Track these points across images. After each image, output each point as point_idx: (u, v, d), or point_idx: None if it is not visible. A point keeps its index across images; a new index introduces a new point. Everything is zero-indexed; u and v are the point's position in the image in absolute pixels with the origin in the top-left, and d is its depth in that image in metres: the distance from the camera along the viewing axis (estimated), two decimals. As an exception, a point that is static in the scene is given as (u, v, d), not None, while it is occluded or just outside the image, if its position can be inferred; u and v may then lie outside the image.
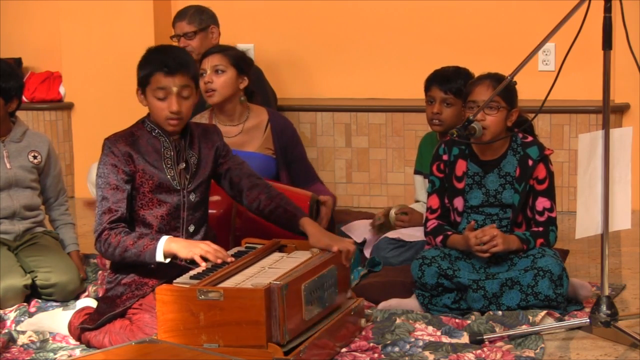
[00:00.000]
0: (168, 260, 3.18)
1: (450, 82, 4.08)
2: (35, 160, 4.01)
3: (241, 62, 4.30)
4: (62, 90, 6.19)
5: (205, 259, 3.12)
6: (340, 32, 5.93)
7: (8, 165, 3.94)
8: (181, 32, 5.07)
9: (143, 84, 3.35)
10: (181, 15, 5.13)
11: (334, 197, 4.33)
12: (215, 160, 3.47)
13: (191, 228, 3.39)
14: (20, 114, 4.17)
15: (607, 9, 3.10)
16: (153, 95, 3.32)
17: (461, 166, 3.68)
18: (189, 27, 5.08)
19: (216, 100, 4.24)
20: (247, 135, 4.29)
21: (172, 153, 3.35)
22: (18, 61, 6.26)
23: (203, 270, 3.06)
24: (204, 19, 5.13)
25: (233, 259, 3.16)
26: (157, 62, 3.34)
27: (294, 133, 4.42)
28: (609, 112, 3.16)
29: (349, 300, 3.35)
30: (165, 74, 3.31)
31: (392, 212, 4.27)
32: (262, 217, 3.47)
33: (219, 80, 4.22)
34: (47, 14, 6.31)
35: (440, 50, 5.63)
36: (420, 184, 4.27)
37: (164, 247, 3.17)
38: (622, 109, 5.38)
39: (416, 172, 4.35)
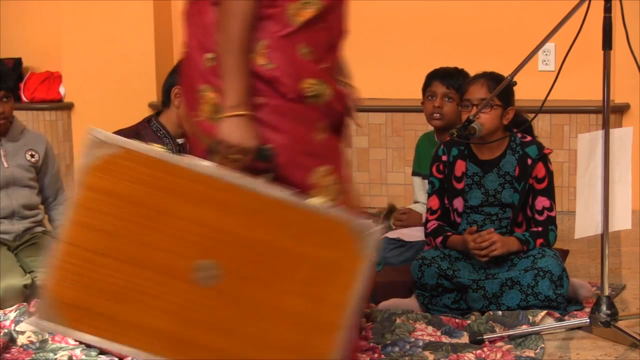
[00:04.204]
0: None
1: (452, 77, 4.09)
2: (33, 159, 4.01)
3: None
4: (62, 90, 6.19)
5: None
6: (340, 32, 5.93)
7: (5, 164, 3.93)
8: None
9: None
10: None
11: None
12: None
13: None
14: (20, 114, 4.18)
15: (607, 9, 3.10)
16: None
17: (460, 166, 3.68)
18: None
19: None
20: None
21: None
22: (18, 61, 6.26)
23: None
24: None
25: None
26: None
27: None
28: (609, 112, 3.16)
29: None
30: None
31: (393, 215, 4.29)
32: None
33: None
34: (47, 14, 6.31)
35: (440, 50, 5.63)
36: (419, 186, 4.27)
37: None
38: (622, 109, 5.38)
39: (414, 173, 4.34)
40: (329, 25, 2.40)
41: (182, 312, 1.95)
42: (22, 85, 6.16)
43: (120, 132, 3.33)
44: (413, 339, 3.24)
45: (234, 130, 2.22)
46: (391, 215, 4.34)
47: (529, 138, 3.67)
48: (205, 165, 2.04)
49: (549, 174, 3.63)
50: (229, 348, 1.94)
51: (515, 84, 3.34)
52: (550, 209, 3.61)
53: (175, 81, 3.29)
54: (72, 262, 1.95)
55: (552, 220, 3.61)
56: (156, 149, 1.98)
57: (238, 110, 2.24)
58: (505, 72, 3.41)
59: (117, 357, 3.16)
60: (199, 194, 1.95)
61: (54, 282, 1.96)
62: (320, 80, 2.36)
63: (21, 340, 3.35)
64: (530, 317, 3.35)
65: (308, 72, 2.35)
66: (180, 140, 3.35)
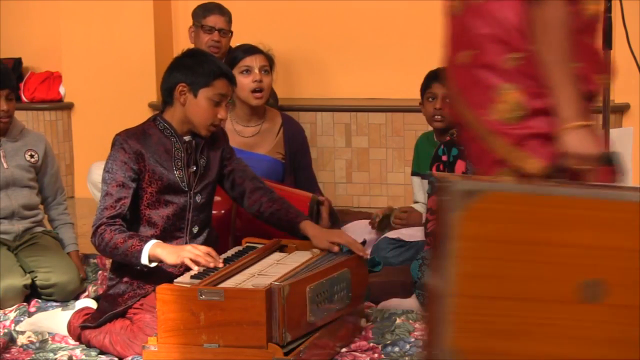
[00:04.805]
0: (154, 264, 3.15)
1: None
2: (32, 159, 4.01)
3: (274, 66, 4.31)
4: (62, 90, 6.19)
5: (196, 263, 3.08)
6: (340, 32, 5.93)
7: (5, 165, 3.94)
8: (217, 25, 5.03)
9: (199, 84, 3.29)
10: (220, 10, 5.11)
11: (329, 200, 4.33)
12: (221, 161, 3.47)
13: (195, 229, 3.38)
14: (20, 114, 4.19)
15: (607, 9, 3.11)
16: (208, 99, 3.29)
17: (460, 166, 3.68)
18: (227, 25, 5.09)
19: (263, 102, 4.20)
20: (261, 138, 4.27)
21: (182, 155, 3.34)
22: (18, 61, 6.26)
23: (204, 270, 3.06)
24: (231, 23, 5.18)
25: (222, 264, 3.12)
26: (223, 69, 3.35)
27: (304, 140, 4.41)
28: (609, 112, 3.17)
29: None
30: (229, 83, 3.34)
31: (394, 213, 4.28)
32: (262, 220, 3.46)
33: (267, 81, 4.19)
34: (47, 14, 6.31)
35: (440, 51, 5.62)
36: (418, 186, 4.28)
37: (150, 250, 3.11)
38: (622, 109, 5.37)
39: (413, 173, 4.35)
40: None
41: (576, 334, 2.01)
42: (22, 85, 6.16)
43: (127, 132, 3.32)
44: (413, 339, 3.25)
45: (580, 141, 2.22)
46: (388, 221, 4.33)
47: (529, 138, 3.67)
48: (565, 187, 2.08)
49: (549, 174, 3.63)
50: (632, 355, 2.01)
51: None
52: (551, 209, 3.61)
53: (179, 79, 3.28)
54: (466, 312, 2.02)
55: (552, 220, 3.61)
56: (513, 184, 2.04)
57: (579, 121, 2.23)
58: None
59: (117, 357, 3.17)
60: (569, 217, 2.00)
61: (453, 336, 2.02)
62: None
63: (21, 340, 3.36)
64: (531, 317, 3.35)
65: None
66: (186, 138, 3.34)
